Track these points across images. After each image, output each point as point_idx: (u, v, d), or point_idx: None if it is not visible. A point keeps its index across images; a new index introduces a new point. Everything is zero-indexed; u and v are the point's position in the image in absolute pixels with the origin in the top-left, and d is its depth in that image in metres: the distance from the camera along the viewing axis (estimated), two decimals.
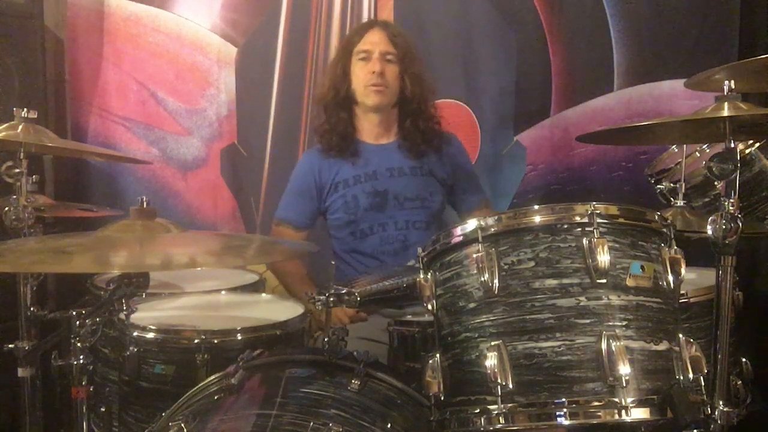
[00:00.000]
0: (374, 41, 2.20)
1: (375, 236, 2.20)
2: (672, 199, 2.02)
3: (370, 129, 2.27)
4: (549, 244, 1.13)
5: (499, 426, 1.10)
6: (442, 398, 1.19)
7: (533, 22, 2.80)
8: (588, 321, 1.09)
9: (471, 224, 1.18)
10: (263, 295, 2.19)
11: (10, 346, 1.76)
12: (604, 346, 1.07)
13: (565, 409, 1.07)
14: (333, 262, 2.09)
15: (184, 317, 1.82)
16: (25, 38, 2.59)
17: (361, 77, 2.19)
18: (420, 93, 2.24)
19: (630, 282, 1.13)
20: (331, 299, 1.42)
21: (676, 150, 2.16)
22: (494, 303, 1.13)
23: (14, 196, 1.77)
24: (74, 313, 1.32)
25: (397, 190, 2.21)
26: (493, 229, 1.16)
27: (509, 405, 1.09)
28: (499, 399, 1.09)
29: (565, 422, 1.08)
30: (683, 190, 1.97)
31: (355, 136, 2.27)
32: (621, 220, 1.17)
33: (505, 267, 1.14)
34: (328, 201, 2.26)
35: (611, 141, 2.24)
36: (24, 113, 1.74)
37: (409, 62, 2.22)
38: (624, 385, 1.05)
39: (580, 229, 1.14)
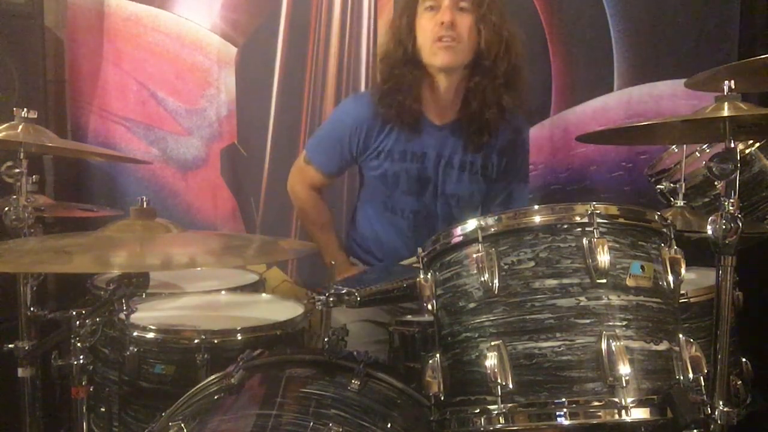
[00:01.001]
0: None
1: (405, 221, 2.04)
2: (672, 199, 2.02)
3: (435, 99, 1.95)
4: (549, 244, 1.13)
5: (499, 426, 1.10)
6: (442, 398, 1.19)
7: (533, 22, 2.79)
8: (588, 321, 1.09)
9: (471, 224, 1.18)
10: (263, 295, 2.19)
11: (10, 346, 1.76)
12: (604, 346, 1.07)
13: (565, 409, 1.07)
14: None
15: (184, 317, 1.82)
16: (25, 38, 2.59)
17: (428, 31, 1.86)
18: (497, 48, 1.87)
19: (630, 282, 1.13)
20: (331, 299, 1.42)
21: (676, 150, 2.16)
22: (494, 303, 1.13)
23: (14, 196, 1.76)
24: (74, 313, 1.33)
25: (439, 182, 2.00)
26: (493, 229, 1.16)
27: (509, 405, 1.09)
28: (499, 399, 1.09)
29: (565, 422, 1.07)
30: (683, 190, 1.97)
31: (422, 110, 1.95)
32: (621, 220, 1.17)
33: (505, 267, 1.14)
34: (366, 162, 2.04)
35: (611, 141, 2.24)
36: (24, 113, 1.74)
37: (488, 10, 1.87)
38: (624, 385, 1.05)
39: (580, 229, 1.14)
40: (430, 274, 1.25)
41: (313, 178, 2.13)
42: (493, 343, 1.11)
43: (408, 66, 1.91)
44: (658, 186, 2.12)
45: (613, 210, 1.16)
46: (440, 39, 1.84)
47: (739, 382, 1.73)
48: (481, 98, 1.91)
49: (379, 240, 2.11)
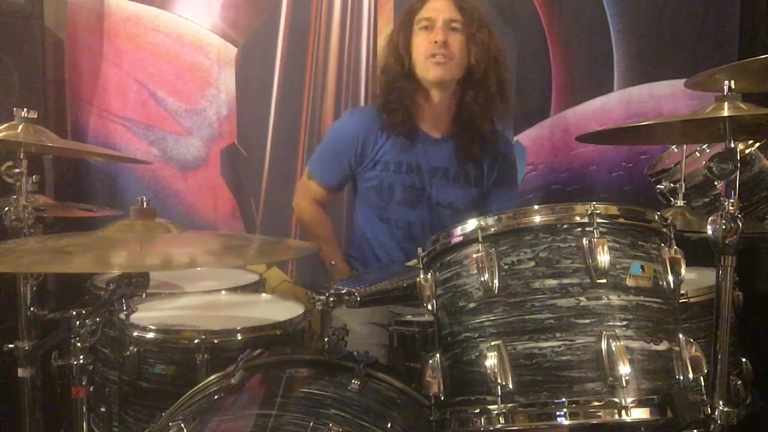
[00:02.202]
0: (437, 8, 2.01)
1: (400, 231, 2.11)
2: (672, 199, 2.02)
3: (430, 111, 2.08)
4: (549, 244, 1.13)
5: (499, 426, 1.10)
6: (442, 398, 1.19)
7: (533, 22, 2.79)
8: (588, 321, 1.10)
9: (471, 224, 1.18)
10: (263, 295, 2.19)
11: (10, 346, 1.76)
12: (604, 346, 1.07)
13: (565, 409, 1.07)
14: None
15: (184, 317, 1.82)
16: (25, 38, 2.59)
17: (422, 48, 2.00)
18: (486, 64, 2.01)
19: (630, 282, 1.13)
20: (331, 299, 1.42)
21: (676, 150, 2.17)
22: (494, 303, 1.13)
23: (14, 196, 1.77)
24: (74, 313, 1.33)
25: (433, 193, 2.09)
26: (493, 229, 1.16)
27: (509, 405, 1.09)
28: (499, 399, 1.09)
29: (565, 422, 1.08)
30: (683, 190, 1.97)
31: (418, 122, 2.08)
32: (621, 220, 1.17)
33: (505, 267, 1.14)
34: (363, 173, 2.12)
35: (611, 141, 2.24)
36: (24, 113, 1.74)
37: (477, 30, 2.00)
38: (624, 385, 1.05)
39: (580, 229, 1.14)
40: (430, 274, 1.25)
41: (316, 192, 2.20)
42: (493, 343, 1.11)
43: (405, 79, 2.04)
44: (658, 186, 2.12)
45: (613, 210, 1.16)
46: (433, 56, 1.98)
47: (739, 382, 1.74)
48: (473, 110, 2.04)
49: (372, 249, 2.17)
